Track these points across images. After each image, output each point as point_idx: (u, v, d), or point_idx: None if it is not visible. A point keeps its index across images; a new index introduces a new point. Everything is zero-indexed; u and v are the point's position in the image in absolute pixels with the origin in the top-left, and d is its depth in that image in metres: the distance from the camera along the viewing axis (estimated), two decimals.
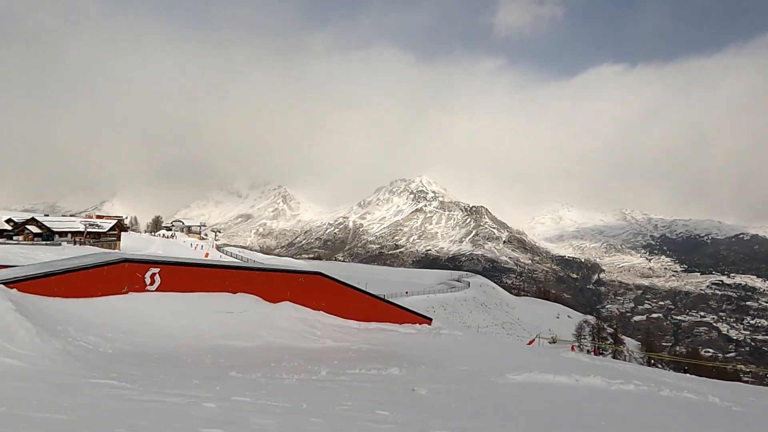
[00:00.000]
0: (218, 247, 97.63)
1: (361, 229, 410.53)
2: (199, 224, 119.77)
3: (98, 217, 78.22)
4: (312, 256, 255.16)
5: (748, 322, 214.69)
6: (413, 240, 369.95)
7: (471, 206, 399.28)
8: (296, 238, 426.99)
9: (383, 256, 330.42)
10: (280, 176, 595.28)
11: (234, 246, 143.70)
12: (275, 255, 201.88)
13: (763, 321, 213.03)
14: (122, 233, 66.66)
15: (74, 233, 59.16)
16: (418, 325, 7.46)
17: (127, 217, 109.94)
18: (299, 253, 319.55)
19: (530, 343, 37.93)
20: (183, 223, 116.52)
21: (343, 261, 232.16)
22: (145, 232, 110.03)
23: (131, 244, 67.79)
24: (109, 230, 62.14)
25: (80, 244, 51.97)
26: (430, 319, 8.44)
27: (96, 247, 49.98)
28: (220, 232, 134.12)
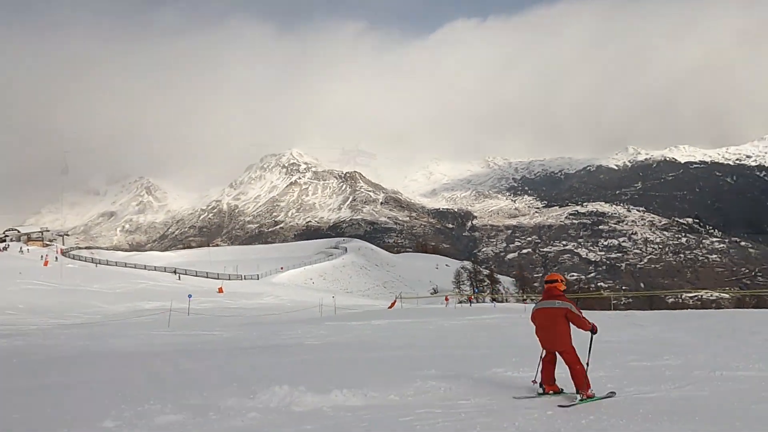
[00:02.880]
0: (64, 252, 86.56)
1: (236, 211, 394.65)
2: (40, 230, 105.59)
3: None
4: (183, 246, 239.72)
5: (603, 244, 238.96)
6: (292, 214, 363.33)
7: (345, 172, 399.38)
8: (168, 229, 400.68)
9: (263, 234, 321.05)
10: (141, 167, 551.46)
11: (93, 248, 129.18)
12: (145, 251, 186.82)
13: (614, 241, 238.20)
14: None
15: None
16: None
17: None
18: (173, 245, 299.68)
19: (391, 306, 35.41)
20: (19, 232, 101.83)
21: (220, 246, 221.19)
22: None
23: None
24: None
25: None
26: None
27: None
28: (68, 235, 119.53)
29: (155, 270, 70.98)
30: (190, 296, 29.66)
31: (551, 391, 6.90)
